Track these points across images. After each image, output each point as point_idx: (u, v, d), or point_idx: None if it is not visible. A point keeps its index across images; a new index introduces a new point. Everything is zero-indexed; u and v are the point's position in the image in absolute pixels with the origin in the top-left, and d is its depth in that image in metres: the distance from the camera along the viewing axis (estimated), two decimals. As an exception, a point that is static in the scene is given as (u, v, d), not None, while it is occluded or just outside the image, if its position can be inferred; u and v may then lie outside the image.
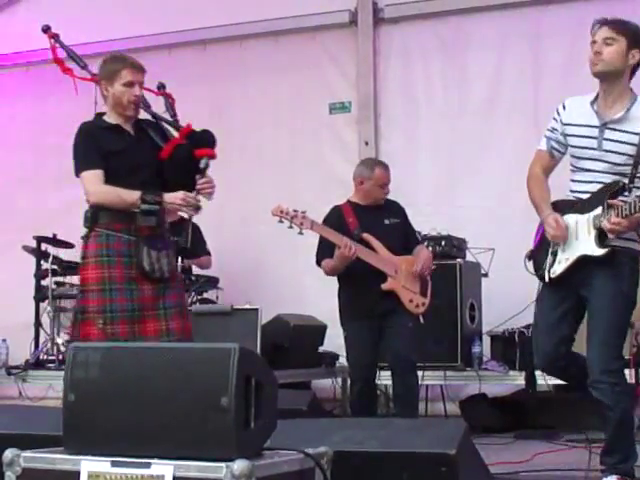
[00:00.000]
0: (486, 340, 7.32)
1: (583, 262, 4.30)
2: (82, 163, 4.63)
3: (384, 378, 6.43)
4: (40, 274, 7.98)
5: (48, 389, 8.13)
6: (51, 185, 9.71)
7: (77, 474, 2.96)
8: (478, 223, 7.89)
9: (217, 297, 8.25)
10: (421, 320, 6.06)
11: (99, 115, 4.89)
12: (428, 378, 6.96)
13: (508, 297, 7.34)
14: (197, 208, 4.77)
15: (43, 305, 7.97)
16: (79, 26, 9.57)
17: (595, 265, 4.28)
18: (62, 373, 7.09)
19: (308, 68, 8.92)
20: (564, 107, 4.56)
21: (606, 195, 4.25)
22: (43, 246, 8.04)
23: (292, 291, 8.40)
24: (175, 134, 4.80)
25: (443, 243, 7.24)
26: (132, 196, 4.57)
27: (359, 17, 8.79)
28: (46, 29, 5.40)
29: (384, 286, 5.89)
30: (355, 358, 6.05)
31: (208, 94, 9.31)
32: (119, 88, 4.69)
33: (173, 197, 4.66)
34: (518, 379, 6.94)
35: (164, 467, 2.88)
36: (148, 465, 2.90)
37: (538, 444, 6.06)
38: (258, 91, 9.22)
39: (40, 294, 7.97)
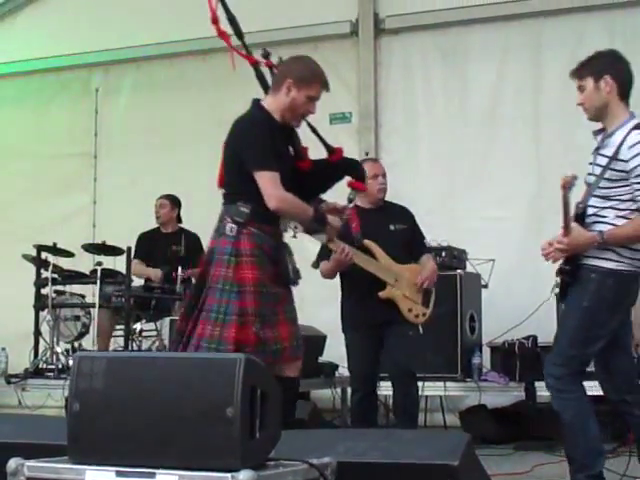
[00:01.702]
0: (486, 351, 7.32)
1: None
2: (262, 160, 4.41)
3: (384, 389, 6.42)
4: (40, 283, 7.96)
5: (47, 398, 8.12)
6: (51, 194, 9.75)
7: (81, 484, 2.95)
8: (478, 234, 7.90)
9: (217, 307, 8.23)
10: (420, 330, 6.03)
11: (260, 104, 4.63)
12: (428, 389, 6.94)
13: (508, 308, 7.36)
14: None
15: (43, 314, 7.95)
16: (81, 35, 9.64)
17: (569, 280, 4.44)
18: (61, 382, 7.20)
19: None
20: None
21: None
22: (43, 255, 8.02)
23: (295, 298, 8.38)
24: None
25: (443, 254, 7.24)
26: (310, 212, 4.52)
27: (360, 28, 8.84)
28: None
29: (381, 294, 5.82)
30: (355, 367, 6.03)
31: (208, 102, 9.35)
32: (302, 97, 4.50)
33: (334, 222, 4.66)
34: (518, 390, 6.94)
35: (169, 477, 2.87)
36: (153, 475, 2.89)
37: (538, 455, 6.06)
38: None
39: (40, 303, 7.94)
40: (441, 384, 7.04)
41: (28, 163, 9.93)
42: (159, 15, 9.35)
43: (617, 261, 4.32)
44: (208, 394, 2.89)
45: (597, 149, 4.45)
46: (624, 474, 4.65)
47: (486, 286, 7.54)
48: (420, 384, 6.33)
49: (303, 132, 4.69)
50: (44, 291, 7.94)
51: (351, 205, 4.89)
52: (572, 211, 4.38)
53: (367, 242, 5.82)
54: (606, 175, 4.33)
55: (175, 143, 9.42)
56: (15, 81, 10.20)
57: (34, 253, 8.01)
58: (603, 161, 4.35)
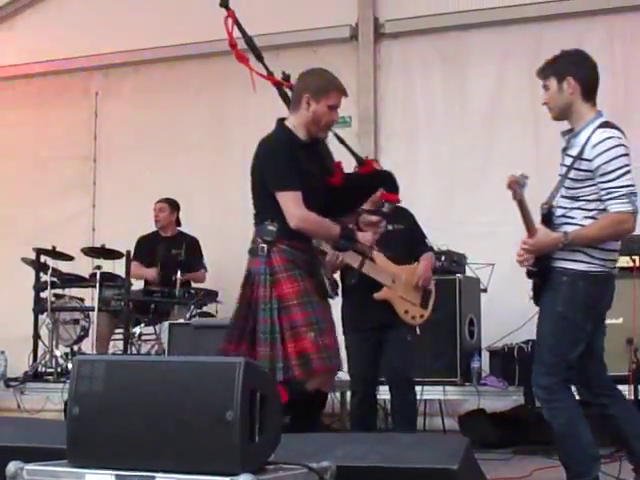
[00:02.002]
0: (485, 355, 7.31)
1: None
2: (283, 181, 4.47)
3: (383, 393, 6.42)
4: (39, 286, 7.96)
5: (46, 401, 8.12)
6: (51, 197, 9.74)
7: (81, 487, 2.96)
8: (478, 238, 7.89)
9: (216, 311, 8.24)
10: (417, 331, 6.02)
11: (283, 124, 4.67)
12: (427, 393, 6.95)
13: (507, 312, 7.35)
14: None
15: (42, 317, 7.95)
16: (80, 38, 9.64)
17: (538, 282, 4.46)
18: (60, 385, 7.19)
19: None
20: None
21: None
22: (42, 258, 8.02)
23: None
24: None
25: (443, 258, 7.22)
26: (335, 230, 4.54)
27: (360, 32, 8.83)
28: (225, 4, 4.98)
29: (376, 295, 5.82)
30: (355, 370, 6.02)
31: (207, 105, 9.36)
32: (323, 108, 4.55)
33: (365, 238, 4.67)
34: (517, 394, 6.93)
35: (168, 481, 2.88)
36: (152, 478, 2.89)
37: (537, 460, 6.05)
38: (258, 104, 9.22)
39: (39, 306, 7.95)
40: (440, 388, 7.04)
41: (28, 166, 9.92)
42: (158, 18, 9.35)
43: (588, 262, 4.32)
44: (208, 398, 2.90)
45: (564, 149, 4.47)
46: (618, 477, 4.66)
47: (485, 290, 7.53)
48: (419, 388, 6.34)
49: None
50: (43, 294, 7.95)
51: (387, 212, 4.81)
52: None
53: None
54: (571, 175, 4.34)
55: (175, 146, 9.41)
56: (15, 84, 10.19)
57: (33, 256, 8.02)
58: (569, 161, 4.37)
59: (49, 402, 8.06)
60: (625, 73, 8.02)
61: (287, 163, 4.49)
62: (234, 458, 2.86)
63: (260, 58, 5.01)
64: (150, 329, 8.06)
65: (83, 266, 8.35)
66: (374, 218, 4.76)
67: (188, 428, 2.91)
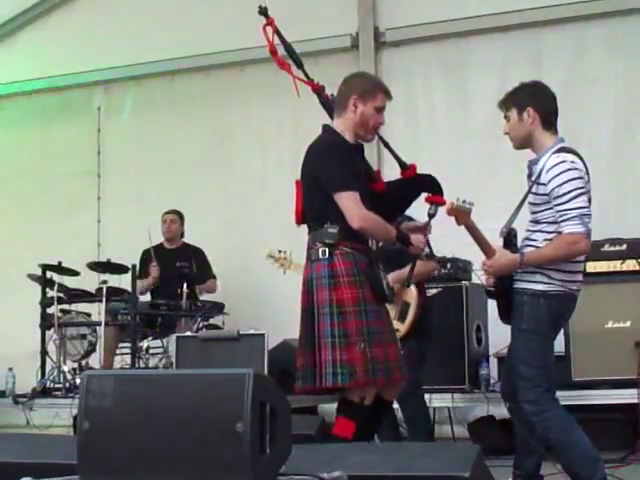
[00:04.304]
0: (493, 362, 7.29)
1: None
2: (341, 181, 4.44)
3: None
4: (46, 302, 7.97)
5: (55, 417, 8.12)
6: (55, 213, 9.76)
7: (92, 503, 2.95)
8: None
9: (223, 322, 8.25)
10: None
11: (331, 128, 4.66)
12: (435, 401, 6.94)
13: (514, 318, 7.33)
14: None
15: (49, 333, 7.96)
16: (81, 54, 9.66)
17: (497, 301, 4.70)
18: (69, 401, 7.19)
19: (310, 92, 8.94)
20: None
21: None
22: (48, 274, 8.04)
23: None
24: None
25: (449, 265, 7.23)
26: (393, 231, 4.55)
27: (360, 41, 8.85)
28: (264, 12, 4.97)
29: None
30: None
31: (210, 120, 9.38)
32: (370, 110, 4.58)
33: (417, 240, 4.67)
34: (526, 400, 6.91)
35: (180, 494, 2.88)
36: (164, 492, 2.90)
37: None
38: (260, 116, 9.26)
39: (46, 322, 7.96)
40: (449, 396, 7.03)
41: (32, 182, 9.94)
42: (160, 32, 9.37)
43: (547, 283, 4.48)
44: (218, 410, 2.89)
45: (528, 176, 4.65)
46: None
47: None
48: (428, 396, 6.33)
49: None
50: (50, 310, 7.96)
51: (434, 214, 4.79)
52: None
53: None
54: (531, 199, 4.56)
55: (177, 160, 9.43)
56: (17, 101, 10.22)
57: (39, 272, 8.03)
58: (529, 186, 4.58)
59: (58, 418, 8.05)
60: (625, 76, 8.03)
61: (344, 164, 4.47)
62: (245, 470, 2.85)
63: (300, 65, 4.99)
64: (157, 342, 8.07)
65: (89, 281, 8.35)
66: (419, 223, 4.81)
67: (198, 441, 2.90)
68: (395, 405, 6.26)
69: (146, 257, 8.48)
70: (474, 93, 8.44)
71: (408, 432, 6.15)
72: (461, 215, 4.58)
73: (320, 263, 4.48)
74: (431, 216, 4.73)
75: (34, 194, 9.90)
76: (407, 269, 5.95)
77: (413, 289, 6.12)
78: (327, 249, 4.46)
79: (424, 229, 4.80)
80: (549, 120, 4.59)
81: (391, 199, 4.72)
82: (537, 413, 4.46)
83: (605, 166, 7.63)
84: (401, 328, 5.99)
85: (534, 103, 4.56)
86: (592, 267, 6.48)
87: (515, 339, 4.63)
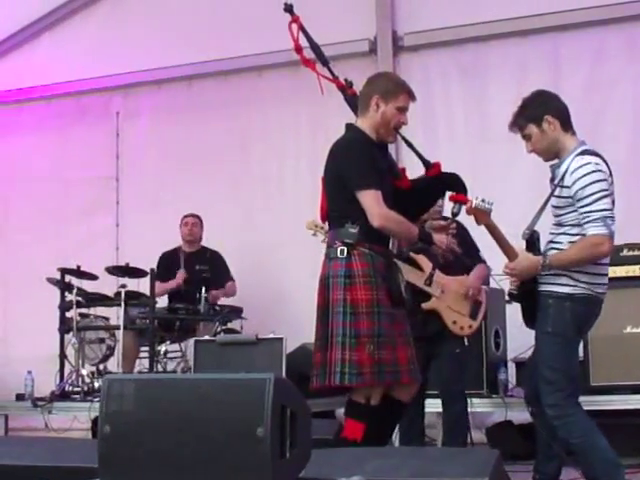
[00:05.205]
0: (511, 367, 7.28)
1: None
2: (364, 180, 4.46)
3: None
4: (64, 306, 8.00)
5: (73, 420, 8.14)
6: (74, 217, 9.80)
7: (113, 506, 2.96)
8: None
9: (241, 327, 8.26)
10: (466, 342, 6.00)
11: (354, 126, 4.70)
12: (454, 406, 6.93)
13: (532, 323, 7.32)
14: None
15: (68, 337, 7.98)
16: (100, 59, 9.70)
17: (521, 304, 4.73)
18: (87, 404, 7.22)
19: (328, 97, 8.95)
20: None
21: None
22: (67, 278, 8.06)
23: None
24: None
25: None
26: (415, 230, 4.56)
27: (379, 46, 8.84)
28: (289, 9, 4.94)
29: (424, 305, 5.78)
30: None
31: (228, 125, 9.39)
32: (392, 110, 4.62)
33: (440, 240, 4.67)
34: (544, 405, 6.90)
35: (200, 498, 2.88)
36: (184, 496, 2.90)
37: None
38: (278, 121, 9.27)
39: (65, 326, 7.98)
40: (467, 400, 7.01)
41: (50, 187, 9.97)
42: (178, 37, 9.39)
43: (573, 285, 4.47)
44: (238, 414, 2.90)
45: (551, 180, 4.63)
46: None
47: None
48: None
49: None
50: (69, 314, 7.98)
51: (458, 213, 4.78)
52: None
53: (413, 254, 5.75)
54: (554, 202, 4.53)
55: (195, 164, 9.44)
56: (36, 106, 10.26)
57: (58, 276, 8.05)
58: (551, 189, 4.57)
59: (76, 421, 8.08)
60: (645, 80, 8.02)
61: (366, 162, 4.49)
62: (266, 474, 2.86)
63: (326, 62, 5.03)
64: (175, 346, 8.08)
65: (108, 285, 8.37)
66: (443, 222, 4.81)
67: (219, 445, 2.91)
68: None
69: (167, 260, 8.49)
70: (492, 97, 8.42)
71: (444, 436, 6.12)
72: (481, 215, 4.56)
73: (338, 262, 4.50)
74: (455, 215, 4.73)
75: (53, 198, 9.93)
76: (473, 275, 6.01)
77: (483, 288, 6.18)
78: (346, 248, 4.47)
79: (447, 228, 4.78)
80: (568, 121, 4.58)
81: (416, 196, 4.73)
82: (559, 417, 4.46)
83: (624, 170, 7.59)
84: (473, 325, 6.00)
85: (549, 110, 4.56)
86: (611, 272, 6.36)
87: (539, 342, 4.64)
